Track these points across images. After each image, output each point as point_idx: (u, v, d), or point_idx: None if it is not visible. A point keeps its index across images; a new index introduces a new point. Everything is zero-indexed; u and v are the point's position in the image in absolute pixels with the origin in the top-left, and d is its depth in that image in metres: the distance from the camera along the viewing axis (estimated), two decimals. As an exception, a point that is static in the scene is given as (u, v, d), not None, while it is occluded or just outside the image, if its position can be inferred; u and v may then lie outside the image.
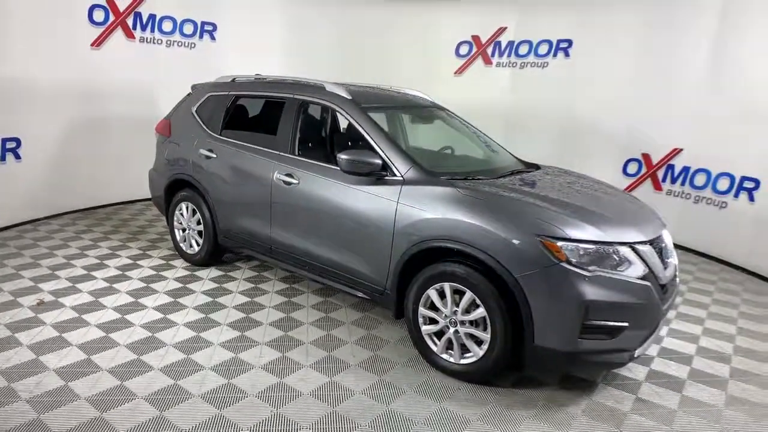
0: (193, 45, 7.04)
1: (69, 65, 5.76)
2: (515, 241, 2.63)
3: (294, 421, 2.51)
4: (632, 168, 6.55)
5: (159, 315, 3.57)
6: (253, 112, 4.37)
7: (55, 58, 5.60)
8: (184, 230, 4.55)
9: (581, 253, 2.58)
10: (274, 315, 3.66)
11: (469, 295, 2.80)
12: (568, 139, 7.09)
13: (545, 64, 7.32)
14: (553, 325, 2.58)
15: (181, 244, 4.60)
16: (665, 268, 2.92)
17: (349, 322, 3.61)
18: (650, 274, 2.72)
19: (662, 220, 3.24)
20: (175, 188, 4.57)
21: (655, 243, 2.90)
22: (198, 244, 4.45)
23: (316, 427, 2.48)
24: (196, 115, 4.47)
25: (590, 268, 2.56)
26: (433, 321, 3.02)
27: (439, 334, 3.00)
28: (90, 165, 6.13)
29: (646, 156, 6.38)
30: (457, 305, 2.87)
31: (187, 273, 4.35)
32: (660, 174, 6.26)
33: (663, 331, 3.73)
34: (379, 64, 8.01)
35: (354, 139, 3.83)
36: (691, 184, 5.90)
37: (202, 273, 4.37)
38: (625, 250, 2.66)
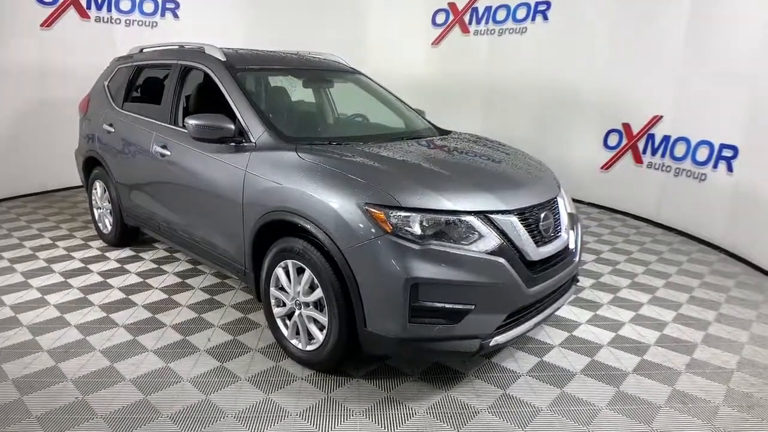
0: (154, 24, 6.91)
1: (16, 47, 5.72)
2: (342, 211, 2.27)
3: (94, 410, 2.28)
4: (613, 140, 5.94)
5: (38, 295, 3.43)
6: (151, 83, 4.13)
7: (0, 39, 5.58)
8: (99, 209, 4.42)
9: (415, 223, 2.20)
10: (156, 296, 3.45)
11: (308, 273, 2.47)
12: (548, 111, 6.52)
13: (524, 30, 6.73)
14: (382, 307, 2.22)
15: (99, 224, 4.48)
16: (544, 243, 2.49)
17: (230, 305, 3.35)
18: (509, 249, 2.30)
19: (553, 187, 2.76)
20: (90, 167, 4.44)
21: (529, 213, 2.46)
22: (111, 224, 4.30)
23: (115, 417, 2.24)
24: (106, 89, 4.31)
25: (423, 240, 2.17)
26: (284, 303, 2.71)
27: (292, 317, 2.69)
28: (46, 148, 6.11)
29: (626, 126, 5.76)
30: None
31: (97, 253, 4.22)
32: (640, 145, 5.63)
33: (584, 317, 3.27)
34: (352, 37, 7.63)
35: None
36: (672, 155, 5.26)
37: (113, 253, 4.22)
38: (473, 220, 2.25)
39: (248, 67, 3.28)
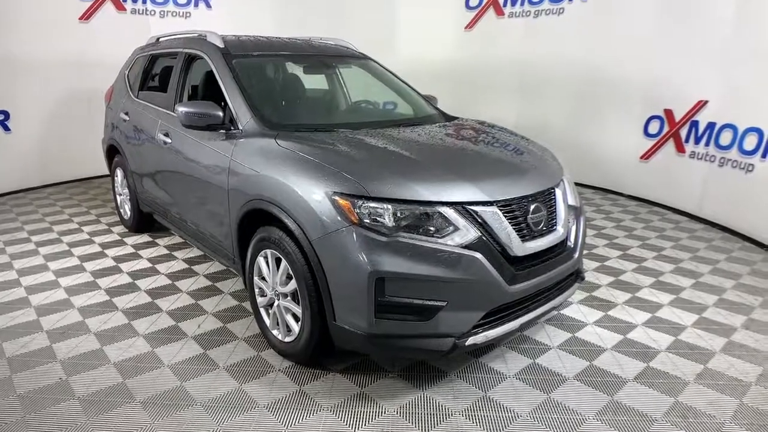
0: (188, 14, 7.06)
1: (56, 39, 5.99)
2: (311, 199, 2.19)
3: (73, 391, 2.34)
4: (654, 127, 5.51)
5: (52, 277, 3.59)
6: (161, 71, 4.17)
7: (41, 33, 5.85)
8: (120, 196, 4.58)
9: (385, 213, 2.08)
10: (161, 282, 3.52)
11: (284, 263, 2.42)
12: (586, 96, 6.15)
13: (561, 11, 6.35)
14: (348, 301, 2.12)
15: (120, 210, 4.64)
16: (532, 237, 2.30)
17: (228, 292, 3.37)
18: (489, 243, 2.14)
19: (551, 178, 2.54)
20: (111, 154, 4.59)
21: (516, 204, 2.27)
22: (130, 210, 4.44)
23: (91, 399, 2.28)
24: (126, 79, 4.42)
25: (391, 232, 2.05)
26: (265, 293, 2.67)
27: (273, 307, 2.65)
28: (85, 137, 6.38)
29: (668, 112, 5.32)
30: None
31: (116, 239, 4.37)
32: (683, 133, 5.19)
33: (592, 317, 3.04)
34: (383, 22, 7.50)
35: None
36: (716, 144, 4.81)
37: (130, 239, 4.36)
38: (448, 211, 2.11)
39: (245, 54, 3.24)
